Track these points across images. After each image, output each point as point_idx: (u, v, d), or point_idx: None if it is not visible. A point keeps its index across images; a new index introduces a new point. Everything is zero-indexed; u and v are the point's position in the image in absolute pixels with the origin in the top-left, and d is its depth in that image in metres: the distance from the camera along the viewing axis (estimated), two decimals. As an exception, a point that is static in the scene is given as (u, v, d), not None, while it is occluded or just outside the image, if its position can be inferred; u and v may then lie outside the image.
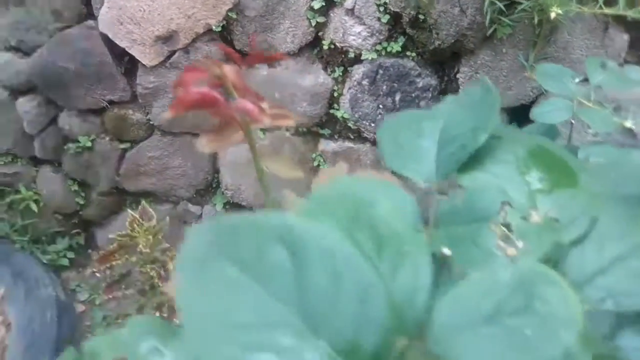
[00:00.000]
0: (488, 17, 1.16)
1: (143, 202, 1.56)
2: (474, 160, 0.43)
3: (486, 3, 1.11)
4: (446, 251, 0.38)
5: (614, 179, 0.75)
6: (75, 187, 1.87)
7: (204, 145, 0.59)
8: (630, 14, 1.02)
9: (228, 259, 0.22)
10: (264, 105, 0.56)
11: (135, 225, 1.37)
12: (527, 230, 0.37)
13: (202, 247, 0.23)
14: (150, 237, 1.37)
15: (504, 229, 0.38)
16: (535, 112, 0.86)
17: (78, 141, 1.77)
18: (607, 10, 1.05)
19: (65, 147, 1.80)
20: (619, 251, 0.38)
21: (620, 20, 1.20)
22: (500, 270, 0.28)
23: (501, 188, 0.40)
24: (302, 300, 0.21)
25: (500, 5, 1.13)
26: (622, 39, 1.27)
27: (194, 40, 1.48)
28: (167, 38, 1.49)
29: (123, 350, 0.43)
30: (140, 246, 1.36)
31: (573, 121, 0.86)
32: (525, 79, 1.24)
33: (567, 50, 1.23)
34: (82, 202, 1.89)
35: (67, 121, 1.76)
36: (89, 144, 1.77)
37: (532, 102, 1.35)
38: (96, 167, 1.81)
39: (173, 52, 1.52)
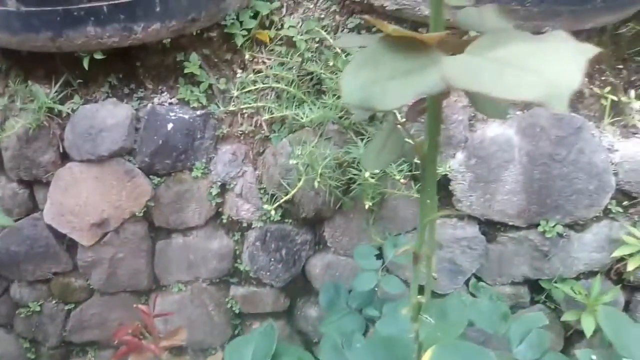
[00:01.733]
0: (332, 199, 1.65)
1: (89, 354, 1.89)
2: (268, 371, 0.86)
3: (327, 192, 1.61)
4: None
5: None
6: (27, 345, 2.17)
7: (130, 361, 1.04)
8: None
9: None
10: (163, 342, 1.01)
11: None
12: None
13: None
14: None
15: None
16: (353, 284, 1.31)
17: (28, 306, 2.09)
18: (413, 193, 1.56)
19: (17, 312, 2.11)
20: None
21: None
22: None
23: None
24: None
25: (338, 192, 1.64)
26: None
27: (122, 224, 1.89)
28: (101, 224, 1.89)
29: None
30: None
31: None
32: (369, 235, 1.73)
33: (396, 211, 1.74)
34: (33, 357, 2.18)
35: (18, 290, 2.09)
36: (37, 308, 2.09)
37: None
38: (45, 326, 2.13)
39: (106, 233, 1.92)
